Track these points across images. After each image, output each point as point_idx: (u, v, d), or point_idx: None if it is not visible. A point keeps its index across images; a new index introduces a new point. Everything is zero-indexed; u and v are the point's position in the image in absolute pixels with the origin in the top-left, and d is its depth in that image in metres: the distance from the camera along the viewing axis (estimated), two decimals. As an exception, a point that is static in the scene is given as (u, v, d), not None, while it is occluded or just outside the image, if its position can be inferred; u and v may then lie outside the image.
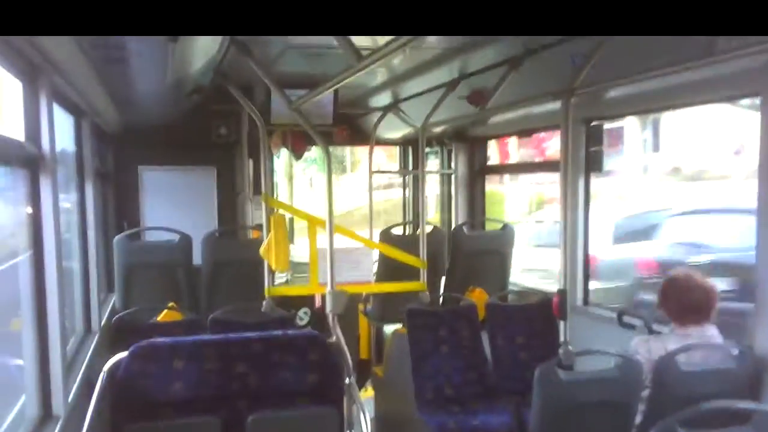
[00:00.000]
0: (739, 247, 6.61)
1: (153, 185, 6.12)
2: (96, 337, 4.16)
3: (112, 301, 5.21)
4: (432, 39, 3.62)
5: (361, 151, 6.63)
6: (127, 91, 4.09)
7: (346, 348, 3.29)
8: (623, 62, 3.17)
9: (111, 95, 4.15)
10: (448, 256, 5.79)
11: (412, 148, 7.08)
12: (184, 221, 5.47)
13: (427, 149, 6.64)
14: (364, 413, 2.85)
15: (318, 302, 4.53)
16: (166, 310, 4.32)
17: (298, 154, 6.60)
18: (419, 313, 4.40)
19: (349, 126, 6.50)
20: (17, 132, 2.63)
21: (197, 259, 5.31)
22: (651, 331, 3.57)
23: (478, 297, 4.95)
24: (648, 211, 10.11)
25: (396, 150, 7.58)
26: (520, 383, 4.11)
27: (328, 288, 3.72)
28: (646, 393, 3.02)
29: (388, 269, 5.18)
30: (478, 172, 6.56)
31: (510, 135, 6.84)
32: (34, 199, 2.73)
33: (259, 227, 5.05)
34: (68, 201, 4.17)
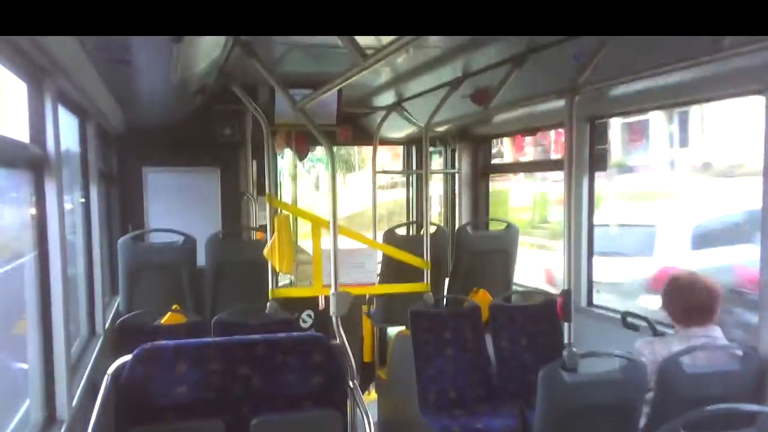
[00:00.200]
0: None
1: (157, 186, 6.13)
2: (100, 339, 4.16)
3: (116, 303, 5.21)
4: (435, 38, 3.61)
5: (368, 149, 6.63)
6: (132, 93, 4.09)
7: (350, 350, 3.29)
8: (627, 59, 3.15)
9: (115, 96, 4.15)
10: (452, 257, 5.78)
11: (416, 147, 7.07)
12: (188, 222, 5.47)
13: (431, 149, 6.63)
14: (367, 416, 2.84)
15: (322, 304, 4.53)
16: (169, 313, 4.32)
17: (301, 154, 6.60)
18: (423, 315, 4.40)
19: (353, 126, 6.50)
20: (21, 134, 2.63)
21: (201, 260, 5.31)
22: (655, 333, 3.56)
23: (482, 298, 4.94)
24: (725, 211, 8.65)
25: (402, 149, 7.57)
26: (524, 385, 4.10)
27: (332, 290, 3.72)
28: (650, 395, 3.01)
29: (392, 270, 5.17)
30: (482, 171, 6.54)
31: (514, 134, 6.82)
32: (39, 200, 2.73)
33: (264, 228, 5.05)
34: (70, 202, 4.18)
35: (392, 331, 4.75)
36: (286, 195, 7.20)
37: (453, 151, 6.73)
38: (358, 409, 2.93)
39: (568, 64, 3.40)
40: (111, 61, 3.04)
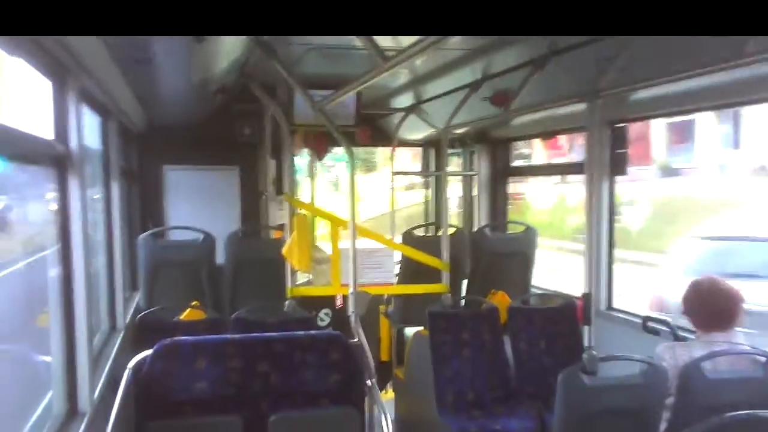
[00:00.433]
0: None
1: (177, 184, 6.18)
2: (121, 334, 4.20)
3: (137, 299, 5.26)
4: (455, 39, 3.60)
5: (388, 150, 6.65)
6: (153, 92, 4.13)
7: (368, 349, 3.29)
8: (650, 64, 3.13)
9: (137, 95, 4.19)
10: (470, 258, 5.76)
11: (435, 149, 7.07)
12: (207, 221, 5.51)
13: (450, 150, 6.63)
14: (385, 415, 2.84)
15: (339, 303, 4.53)
16: (189, 309, 4.36)
17: (320, 154, 6.62)
18: (441, 315, 4.39)
19: (372, 127, 6.51)
20: (46, 131, 2.66)
21: (220, 258, 5.35)
22: (676, 338, 3.53)
23: (501, 300, 4.92)
24: None
25: (420, 150, 7.57)
26: (542, 388, 4.08)
27: (351, 289, 3.73)
28: (670, 400, 2.98)
29: (410, 271, 5.17)
30: (501, 173, 6.52)
31: (533, 137, 6.80)
32: (62, 197, 2.76)
33: (282, 227, 5.07)
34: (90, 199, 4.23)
35: (410, 331, 4.74)
36: (307, 195, 7.22)
37: (471, 153, 6.71)
38: (375, 408, 2.94)
39: (589, 68, 3.38)
40: (133, 60, 3.07)
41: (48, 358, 2.83)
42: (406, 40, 2.21)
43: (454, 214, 7.02)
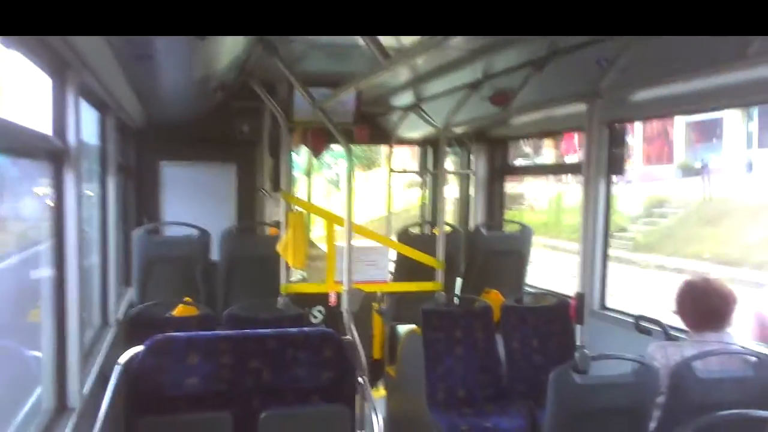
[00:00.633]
0: None
1: (173, 180, 6.17)
2: (113, 330, 4.20)
3: (130, 294, 5.26)
4: (457, 39, 3.61)
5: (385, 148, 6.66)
6: (153, 88, 4.13)
7: (360, 347, 3.30)
8: (650, 64, 3.13)
9: (136, 91, 4.19)
10: (465, 257, 5.78)
11: (433, 148, 7.08)
12: (202, 217, 5.51)
13: (448, 149, 6.64)
14: (376, 412, 2.85)
15: (333, 300, 4.54)
16: (181, 305, 4.36)
17: (318, 152, 6.63)
18: (434, 313, 4.40)
19: (370, 125, 6.52)
20: (44, 126, 2.67)
21: (215, 255, 5.35)
22: (668, 337, 3.54)
23: (494, 299, 4.94)
24: None
25: (418, 149, 7.57)
26: (534, 386, 4.09)
27: (345, 286, 3.73)
28: (661, 399, 2.99)
29: (405, 269, 5.18)
30: (498, 172, 6.53)
31: (531, 137, 6.81)
32: (58, 191, 2.76)
33: (278, 224, 5.08)
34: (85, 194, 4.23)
35: (403, 329, 4.75)
36: (305, 192, 7.22)
37: (469, 152, 6.72)
38: (366, 405, 2.94)
39: (589, 69, 3.39)
40: (133, 56, 3.07)
41: (38, 354, 2.83)
42: (408, 39, 2.22)
43: (450, 213, 7.03)
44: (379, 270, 4.59)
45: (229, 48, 3.41)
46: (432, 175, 7.10)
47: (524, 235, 5.63)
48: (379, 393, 5.15)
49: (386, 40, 2.50)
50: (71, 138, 2.77)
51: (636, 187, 17.84)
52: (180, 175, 6.17)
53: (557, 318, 4.38)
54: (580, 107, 3.43)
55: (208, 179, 6.24)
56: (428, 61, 4.24)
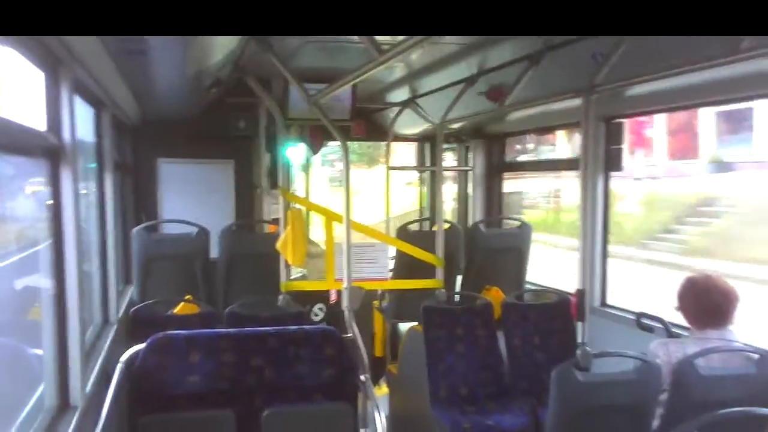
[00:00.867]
0: None
1: (171, 178, 6.15)
2: (114, 328, 4.19)
3: (130, 292, 5.25)
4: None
5: (392, 143, 6.62)
6: (147, 84, 4.11)
7: (362, 344, 3.29)
8: (645, 59, 3.12)
9: (131, 88, 4.17)
10: (465, 254, 5.77)
11: (430, 144, 7.06)
12: (201, 214, 5.50)
13: (445, 145, 6.62)
14: (378, 410, 2.84)
15: (333, 298, 4.53)
16: (182, 303, 4.34)
17: (315, 148, 6.61)
18: (435, 311, 4.39)
19: (367, 121, 6.51)
20: (39, 123, 2.64)
21: (214, 252, 5.33)
22: (670, 334, 3.54)
23: (495, 296, 4.93)
24: None
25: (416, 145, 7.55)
26: (535, 384, 4.08)
27: (345, 284, 3.72)
28: (663, 396, 2.99)
29: (405, 266, 5.17)
30: (496, 168, 6.52)
31: (528, 132, 6.80)
32: (55, 189, 2.74)
33: (277, 221, 5.06)
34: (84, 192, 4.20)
35: (404, 326, 4.74)
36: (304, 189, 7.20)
37: (467, 149, 6.71)
38: (369, 403, 2.93)
39: (585, 63, 3.38)
40: (127, 52, 3.05)
41: (40, 351, 2.81)
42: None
43: (449, 210, 7.02)
44: (379, 267, 4.58)
45: (222, 43, 3.39)
46: (430, 171, 7.09)
47: (524, 231, 5.62)
48: (382, 391, 5.15)
49: (381, 36, 2.49)
50: (66, 135, 2.75)
51: (663, 183, 16.57)
52: (177, 172, 6.14)
53: (558, 315, 4.37)
54: (576, 102, 3.42)
55: (205, 176, 6.22)
56: (423, 56, 4.23)
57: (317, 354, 2.83)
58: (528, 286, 5.53)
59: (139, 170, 6.09)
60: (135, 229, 5.21)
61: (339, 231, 4.24)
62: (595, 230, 4.50)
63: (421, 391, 4.19)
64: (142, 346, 2.68)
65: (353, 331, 3.54)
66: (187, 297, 4.44)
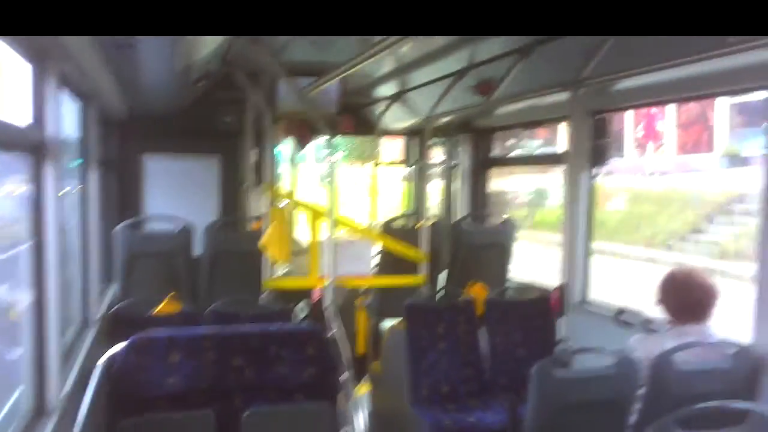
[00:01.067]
0: None
1: (156, 173, 6.11)
2: (94, 328, 4.16)
3: (112, 291, 5.22)
4: None
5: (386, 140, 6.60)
6: (135, 77, 4.08)
7: (344, 343, 3.29)
8: (632, 54, 3.14)
9: (118, 81, 4.14)
10: (449, 250, 5.77)
11: (419, 139, 7.05)
12: (186, 211, 5.46)
13: (433, 140, 6.62)
14: (359, 409, 2.85)
15: (317, 295, 4.53)
16: (164, 302, 4.32)
17: (303, 143, 6.60)
18: (418, 308, 4.39)
19: (355, 116, 6.49)
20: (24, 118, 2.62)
21: (199, 249, 5.30)
22: (649, 329, 3.56)
23: (479, 292, 4.93)
24: None
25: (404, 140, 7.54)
26: (517, 380, 4.09)
27: (328, 281, 3.72)
28: (642, 391, 3.01)
29: (389, 262, 5.17)
30: (482, 164, 6.52)
31: (516, 127, 6.80)
32: (38, 185, 2.72)
33: (262, 218, 5.05)
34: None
35: (387, 324, 4.74)
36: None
37: (455, 144, 6.70)
38: (350, 402, 2.94)
39: (573, 57, 3.38)
40: (115, 45, 3.03)
41: (20, 352, 2.80)
42: None
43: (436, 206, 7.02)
44: (363, 264, 4.58)
45: (211, 38, 3.38)
46: (417, 167, 7.09)
47: (507, 228, 5.64)
48: (364, 389, 5.15)
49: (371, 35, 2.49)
50: (51, 130, 2.73)
51: (680, 178, 15.47)
52: (162, 168, 6.10)
53: (541, 311, 4.37)
54: (564, 97, 3.43)
55: (191, 172, 6.18)
56: (412, 49, 4.22)
57: (299, 353, 2.83)
58: (511, 281, 5.54)
59: (124, 166, 6.03)
60: (118, 227, 5.17)
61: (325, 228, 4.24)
62: (579, 225, 4.51)
63: (403, 389, 4.19)
64: (122, 346, 2.67)
65: (335, 329, 3.54)
66: (169, 295, 4.42)
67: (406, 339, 4.22)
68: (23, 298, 2.78)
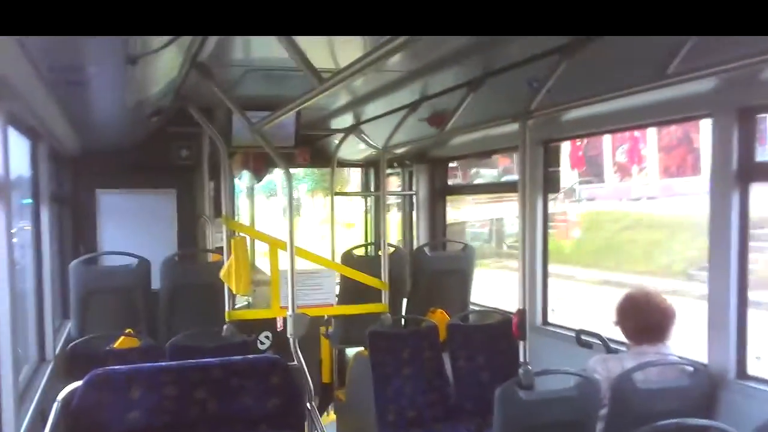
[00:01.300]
0: None
1: (111, 209, 6.01)
2: (51, 365, 4.04)
3: (68, 328, 5.08)
4: (393, 61, 3.65)
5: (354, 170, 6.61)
6: (86, 114, 4.03)
7: (307, 372, 3.27)
8: (578, 86, 3.24)
9: (69, 118, 4.08)
10: (410, 277, 5.81)
11: (375, 169, 7.12)
12: (143, 245, 5.38)
13: (390, 171, 6.69)
14: None
15: (280, 325, 4.49)
16: (122, 337, 4.23)
17: (259, 175, 6.59)
18: (381, 335, 4.40)
19: (311, 147, 6.52)
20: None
21: (156, 283, 5.22)
22: (609, 350, 3.63)
23: (440, 318, 4.97)
24: None
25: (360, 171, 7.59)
26: (481, 403, 4.11)
27: (289, 311, 3.70)
28: (604, 411, 3.06)
29: (351, 291, 5.16)
30: (439, 192, 6.61)
31: (469, 156, 6.92)
32: None
33: (220, 250, 5.00)
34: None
35: (351, 352, 4.73)
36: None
37: (410, 173, 6.79)
38: (315, 431, 2.91)
39: (521, 90, 3.48)
40: (64, 82, 3.00)
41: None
42: (344, 61, 2.22)
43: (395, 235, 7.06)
44: (326, 293, 4.57)
45: (162, 72, 3.36)
46: (374, 196, 7.13)
47: (467, 254, 5.71)
48: (330, 418, 5.10)
49: (322, 63, 2.51)
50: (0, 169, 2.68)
51: (665, 203, 14.55)
52: (118, 203, 6.01)
53: (502, 335, 4.43)
54: (515, 127, 3.52)
55: (147, 206, 6.09)
56: (366, 83, 4.28)
57: (262, 384, 2.80)
58: (472, 307, 5.60)
59: (78, 201, 5.93)
60: (73, 263, 5.06)
61: (284, 258, 4.22)
62: (535, 250, 4.61)
63: (369, 416, 4.17)
64: (79, 383, 2.60)
65: (299, 359, 3.52)
66: (127, 330, 4.32)
67: (370, 366, 4.21)
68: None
